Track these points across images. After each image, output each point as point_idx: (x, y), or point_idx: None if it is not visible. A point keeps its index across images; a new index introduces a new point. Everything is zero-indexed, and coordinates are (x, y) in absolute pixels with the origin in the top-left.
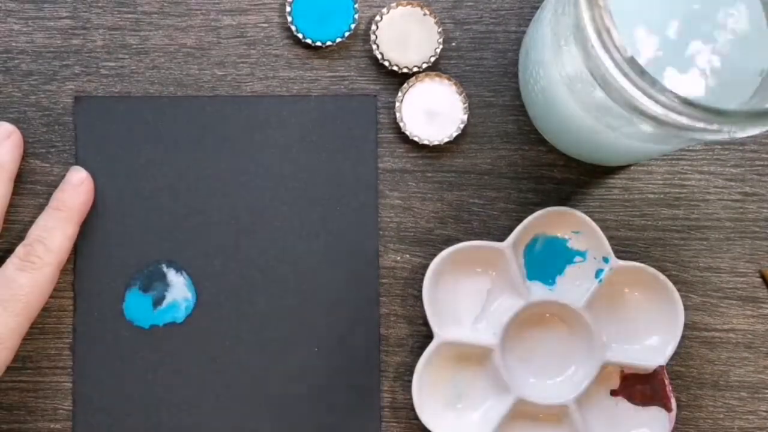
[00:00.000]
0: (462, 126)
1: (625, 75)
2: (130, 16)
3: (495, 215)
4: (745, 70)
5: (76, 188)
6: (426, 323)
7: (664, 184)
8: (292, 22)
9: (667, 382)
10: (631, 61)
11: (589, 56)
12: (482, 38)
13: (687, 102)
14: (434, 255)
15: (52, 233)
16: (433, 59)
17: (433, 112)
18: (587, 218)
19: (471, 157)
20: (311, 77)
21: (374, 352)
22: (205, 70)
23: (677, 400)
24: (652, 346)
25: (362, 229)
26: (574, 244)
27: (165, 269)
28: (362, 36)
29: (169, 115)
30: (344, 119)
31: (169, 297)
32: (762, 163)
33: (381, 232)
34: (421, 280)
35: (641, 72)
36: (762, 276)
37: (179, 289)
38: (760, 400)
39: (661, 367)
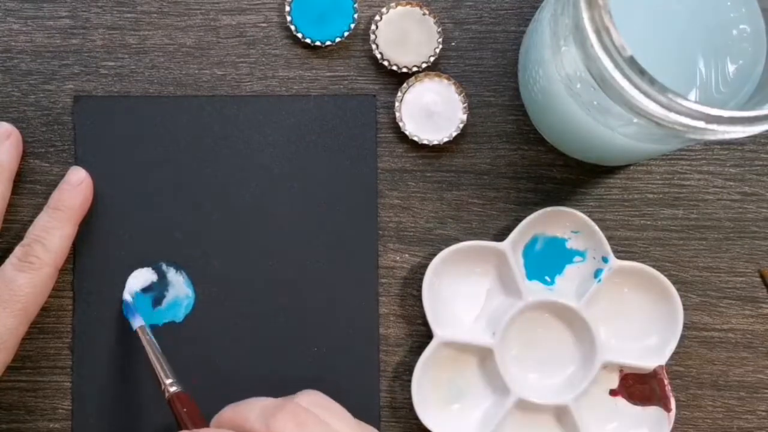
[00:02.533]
0: (461, 126)
1: (625, 75)
2: (129, 15)
3: (494, 215)
4: (743, 69)
5: (75, 188)
6: (425, 323)
7: (664, 184)
8: (291, 22)
9: (666, 381)
10: (631, 61)
11: (589, 56)
12: (482, 38)
13: (686, 102)
14: (433, 255)
15: (51, 233)
16: (432, 59)
17: (432, 111)
18: (586, 218)
19: (470, 157)
20: (311, 77)
21: (373, 352)
22: (205, 70)
23: (676, 399)
24: (652, 345)
25: (361, 228)
26: (573, 244)
27: (164, 269)
28: (362, 36)
29: (169, 114)
30: (344, 119)
31: (169, 297)
32: (761, 162)
33: (380, 232)
34: (421, 280)
35: (641, 72)
36: (761, 276)
37: (179, 289)
38: (759, 400)
39: (660, 366)
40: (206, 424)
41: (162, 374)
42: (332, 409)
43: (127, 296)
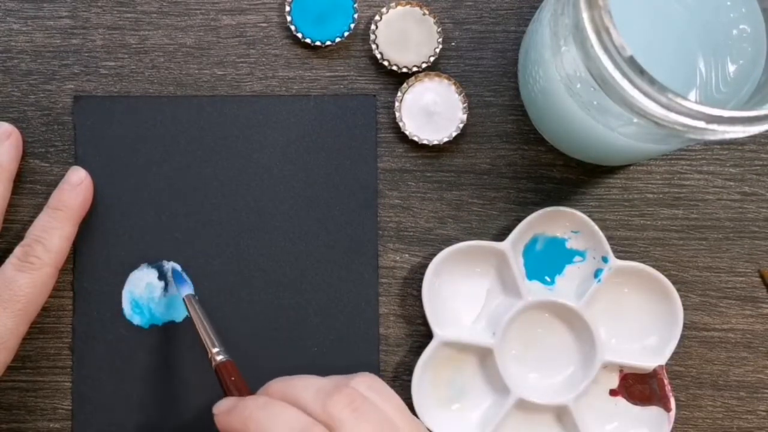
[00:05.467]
0: (461, 126)
1: (625, 75)
2: (129, 15)
3: (494, 215)
4: (743, 69)
5: (75, 188)
6: (425, 323)
7: (664, 184)
8: (291, 22)
9: (666, 381)
10: (631, 61)
11: (589, 56)
12: (482, 38)
13: (686, 102)
14: (433, 255)
15: (51, 233)
16: (432, 59)
17: (432, 111)
18: (586, 218)
19: (470, 157)
20: (311, 77)
21: (373, 352)
22: (205, 70)
23: (676, 399)
24: (652, 345)
25: (361, 228)
26: (573, 244)
27: (164, 268)
28: (362, 36)
29: (169, 114)
30: (344, 119)
31: (169, 296)
32: (761, 162)
33: (380, 232)
34: (421, 280)
35: (641, 72)
36: (761, 276)
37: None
38: (759, 400)
39: (660, 366)
40: (252, 393)
41: (209, 343)
42: (386, 394)
43: (173, 264)
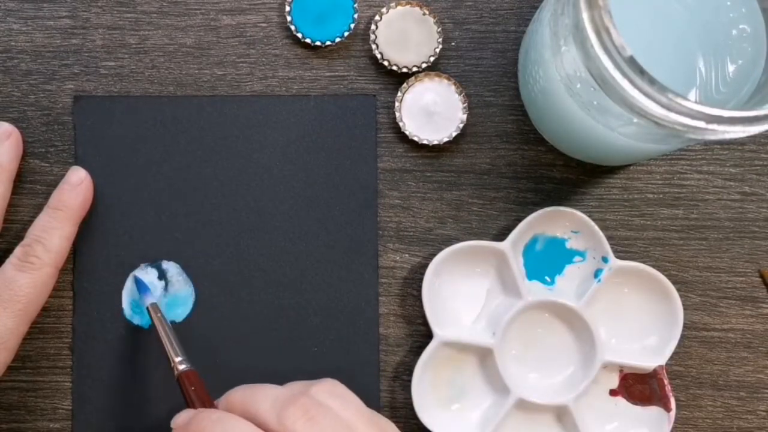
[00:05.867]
0: (461, 126)
1: (625, 75)
2: (129, 15)
3: (494, 215)
4: (743, 69)
5: (75, 188)
6: (425, 323)
7: (664, 184)
8: (291, 22)
9: (666, 381)
10: (631, 61)
11: (589, 56)
12: (482, 38)
13: (686, 102)
14: (433, 255)
15: (51, 233)
16: (432, 59)
17: (432, 111)
18: (587, 218)
19: (470, 157)
20: (311, 77)
21: (373, 352)
22: (205, 70)
23: (676, 399)
24: (652, 345)
25: (361, 228)
26: (573, 244)
27: (164, 268)
28: (362, 36)
29: (169, 114)
30: (344, 119)
31: (169, 296)
32: (761, 162)
33: (380, 232)
34: (421, 280)
35: (641, 72)
36: (761, 276)
37: (179, 289)
38: (759, 400)
39: (660, 366)
40: (213, 404)
41: (172, 352)
42: (347, 399)
43: (138, 273)
